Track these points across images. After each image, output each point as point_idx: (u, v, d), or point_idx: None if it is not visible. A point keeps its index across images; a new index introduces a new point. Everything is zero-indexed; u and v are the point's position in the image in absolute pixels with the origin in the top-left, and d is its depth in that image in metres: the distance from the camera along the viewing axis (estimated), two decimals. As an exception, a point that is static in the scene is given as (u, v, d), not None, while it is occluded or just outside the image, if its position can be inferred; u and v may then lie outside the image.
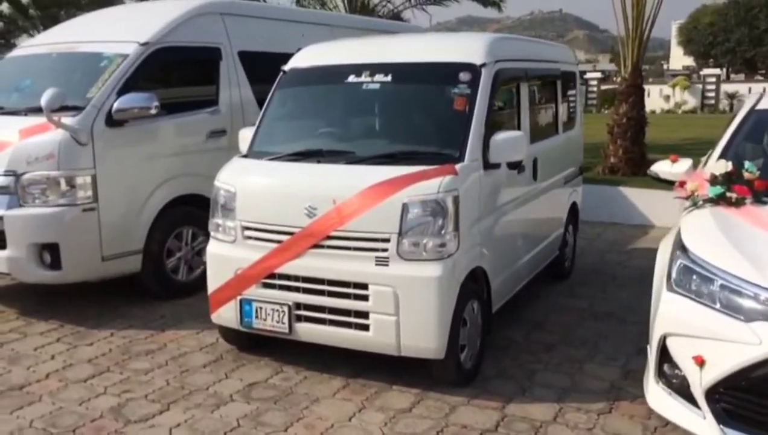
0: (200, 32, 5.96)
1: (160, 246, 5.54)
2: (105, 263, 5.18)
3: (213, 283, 4.32)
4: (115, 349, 4.63)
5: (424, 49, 4.43)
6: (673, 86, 38.76)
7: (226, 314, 4.26)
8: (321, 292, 3.93)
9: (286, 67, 4.81)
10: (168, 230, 5.60)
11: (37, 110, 5.17)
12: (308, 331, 4.02)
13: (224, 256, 4.24)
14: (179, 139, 5.70)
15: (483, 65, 4.15)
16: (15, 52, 6.36)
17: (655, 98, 36.58)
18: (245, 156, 4.53)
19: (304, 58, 4.82)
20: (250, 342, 4.52)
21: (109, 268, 5.23)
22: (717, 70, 42.17)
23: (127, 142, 5.30)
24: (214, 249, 4.33)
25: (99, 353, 4.56)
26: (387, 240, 3.74)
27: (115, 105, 5.11)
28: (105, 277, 5.28)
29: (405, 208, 3.70)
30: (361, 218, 3.77)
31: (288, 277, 4.02)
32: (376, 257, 3.77)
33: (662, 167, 4.27)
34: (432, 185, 3.70)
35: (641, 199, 9.13)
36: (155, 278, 5.56)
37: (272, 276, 4.06)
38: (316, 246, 3.91)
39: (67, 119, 4.92)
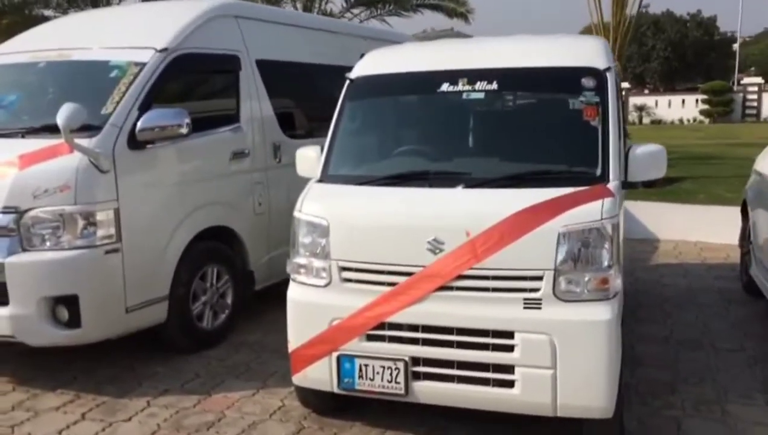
0: (217, 38, 5.13)
1: (186, 290, 4.65)
2: (129, 315, 4.25)
3: (297, 338, 3.53)
4: (164, 425, 3.73)
5: (530, 53, 3.83)
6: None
7: (316, 374, 3.48)
8: (448, 344, 3.24)
9: (352, 75, 4.09)
10: (194, 271, 4.72)
11: (39, 131, 4.25)
12: (430, 391, 3.31)
13: (314, 304, 3.47)
14: (203, 163, 4.84)
15: (607, 69, 3.61)
16: None
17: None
18: (321, 181, 3.77)
19: (374, 65, 4.12)
20: (334, 404, 3.76)
21: (133, 320, 4.30)
22: (626, 84, 44.20)
23: (152, 167, 4.41)
24: (298, 295, 3.54)
25: (147, 432, 3.65)
26: (539, 278, 3.10)
27: (140, 123, 4.22)
28: (128, 332, 4.33)
29: (561, 238, 3.08)
30: (503, 253, 3.12)
31: (403, 327, 3.31)
32: (525, 299, 3.12)
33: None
34: (592, 211, 3.10)
35: (640, 212, 8.92)
36: (181, 328, 4.66)
37: (381, 326, 3.33)
38: (443, 288, 3.22)
39: (83, 141, 3.99)
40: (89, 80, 4.62)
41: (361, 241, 3.38)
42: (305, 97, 6.13)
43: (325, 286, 3.45)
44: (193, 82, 5.03)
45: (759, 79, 42.02)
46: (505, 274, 3.13)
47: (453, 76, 3.75)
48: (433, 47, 4.23)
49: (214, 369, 4.52)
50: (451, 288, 3.22)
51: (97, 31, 5.12)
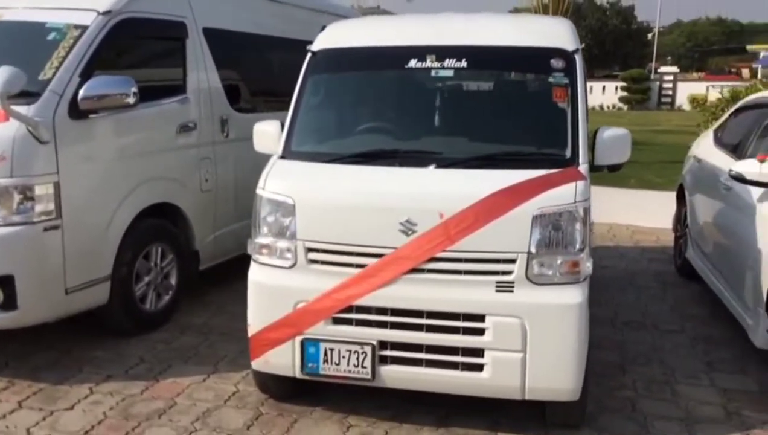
0: (162, 2, 4.82)
1: (128, 270, 4.39)
2: (69, 297, 3.96)
3: (258, 321, 3.38)
4: (111, 414, 3.51)
5: (499, 32, 3.76)
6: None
7: (278, 359, 3.35)
8: (417, 327, 3.18)
9: (314, 48, 3.92)
10: (137, 250, 4.45)
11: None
12: (397, 376, 3.24)
13: (278, 286, 3.32)
14: (149, 135, 4.56)
15: (576, 51, 3.60)
16: None
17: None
18: (283, 157, 3.60)
19: (337, 38, 3.96)
20: (293, 389, 3.63)
21: (74, 302, 4.01)
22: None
23: (94, 139, 4.11)
24: (260, 277, 3.39)
25: (93, 422, 3.42)
26: (512, 261, 3.07)
27: (83, 91, 3.91)
28: (68, 315, 4.05)
29: (535, 221, 3.06)
30: (477, 235, 3.07)
31: (371, 310, 3.22)
32: (498, 282, 3.09)
33: (749, 168, 3.99)
34: (566, 194, 3.09)
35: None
36: (123, 310, 4.40)
37: (349, 309, 3.23)
38: (414, 270, 3.15)
39: (21, 108, 3.66)
40: (23, 43, 4.24)
41: (328, 222, 3.26)
42: (253, 69, 5.89)
43: (290, 267, 3.31)
44: (137, 48, 4.71)
45: (674, 69, 43.97)
46: (479, 256, 3.09)
47: (421, 52, 3.65)
48: (399, 22, 4.13)
49: (160, 353, 4.30)
50: (422, 270, 3.15)
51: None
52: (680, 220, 6.47)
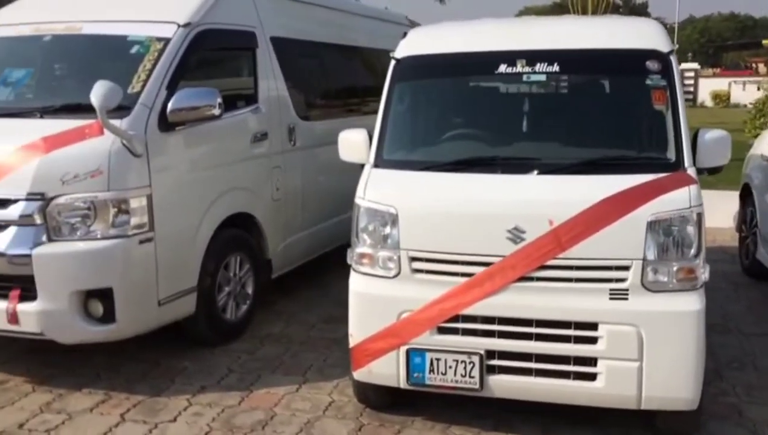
0: (234, 13, 4.83)
1: (212, 280, 4.40)
2: (161, 308, 3.98)
3: (361, 331, 3.37)
4: (215, 425, 3.51)
5: (590, 34, 3.72)
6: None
7: (382, 369, 3.33)
8: (526, 336, 3.15)
9: (398, 55, 3.90)
10: (219, 260, 4.47)
11: (58, 111, 3.91)
12: (506, 385, 3.21)
13: (381, 296, 3.31)
14: (228, 146, 4.57)
15: (671, 52, 3.54)
16: None
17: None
18: (376, 166, 3.58)
19: (421, 44, 3.93)
20: (391, 399, 3.62)
21: (166, 313, 4.03)
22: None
23: (181, 151, 4.13)
24: (362, 287, 3.38)
25: (200, 433, 3.43)
26: (626, 268, 3.03)
27: (172, 103, 3.93)
28: (159, 326, 4.06)
29: (650, 227, 3.01)
30: (589, 242, 3.03)
31: (477, 319, 3.19)
32: (611, 290, 3.05)
33: None
34: (681, 198, 3.04)
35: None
36: (208, 320, 4.41)
37: (454, 319, 3.21)
38: (524, 278, 3.11)
39: (115, 122, 3.68)
40: (106, 56, 4.29)
41: (433, 230, 3.24)
42: (316, 77, 5.90)
43: (394, 277, 3.30)
44: (214, 59, 4.73)
45: (695, 65, 43.35)
46: (591, 263, 3.05)
47: (511, 57, 3.61)
48: (484, 27, 4.08)
49: (246, 363, 4.30)
50: (531, 278, 3.12)
51: (104, 3, 4.73)
52: (746, 220, 6.36)
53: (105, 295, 3.67)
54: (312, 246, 5.72)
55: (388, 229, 3.30)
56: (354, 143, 3.77)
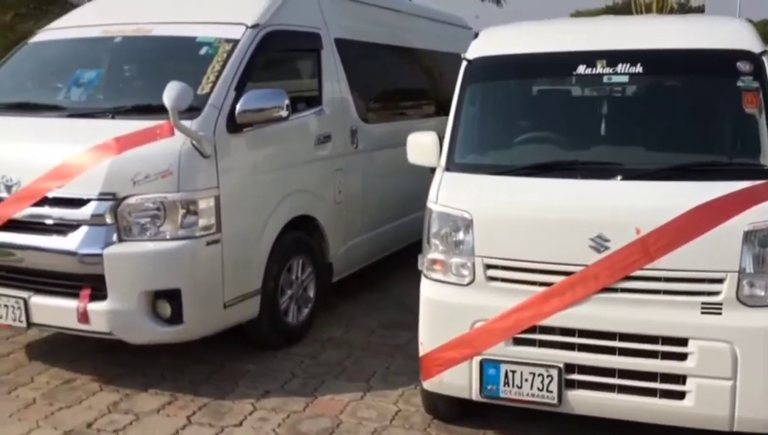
0: (300, 14, 4.79)
1: (275, 283, 4.36)
2: (227, 310, 3.95)
3: (432, 340, 3.26)
4: (281, 431, 3.46)
5: (674, 34, 3.54)
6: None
7: (454, 380, 3.22)
8: (609, 350, 2.99)
9: (470, 56, 3.78)
10: (282, 263, 4.42)
11: (129, 111, 3.92)
12: (586, 401, 3.06)
13: (454, 304, 3.19)
14: (292, 147, 4.53)
15: (763, 53, 3.33)
16: (44, 36, 4.85)
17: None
18: (448, 169, 3.47)
19: (494, 44, 3.81)
20: (460, 410, 3.50)
21: (230, 316, 4.00)
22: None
23: (247, 152, 4.10)
24: (434, 294, 3.27)
25: (268, 440, 3.39)
26: (720, 280, 2.85)
27: (240, 104, 3.90)
28: (224, 328, 4.04)
29: (747, 237, 2.82)
30: (680, 253, 2.86)
31: (555, 331, 3.05)
32: (703, 304, 2.87)
33: None
34: (779, 207, 2.85)
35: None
36: (271, 324, 4.37)
37: (531, 329, 3.07)
38: (607, 289, 2.96)
39: (185, 123, 3.67)
40: (175, 57, 4.30)
41: (510, 237, 3.11)
42: (379, 79, 5.83)
43: (467, 284, 3.18)
44: (280, 61, 4.70)
45: None
46: (681, 275, 2.88)
47: (590, 57, 3.45)
48: (559, 26, 3.94)
49: (309, 368, 4.24)
50: (615, 290, 2.96)
51: (174, 4, 4.75)
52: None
53: (173, 296, 3.65)
54: (372, 250, 5.64)
55: (461, 235, 3.18)
56: (423, 146, 3.67)
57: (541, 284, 3.06)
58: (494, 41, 3.85)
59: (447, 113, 6.91)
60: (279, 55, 4.60)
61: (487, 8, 17.08)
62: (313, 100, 4.84)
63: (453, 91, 7.13)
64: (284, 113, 4.05)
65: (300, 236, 4.63)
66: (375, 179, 5.55)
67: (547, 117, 3.66)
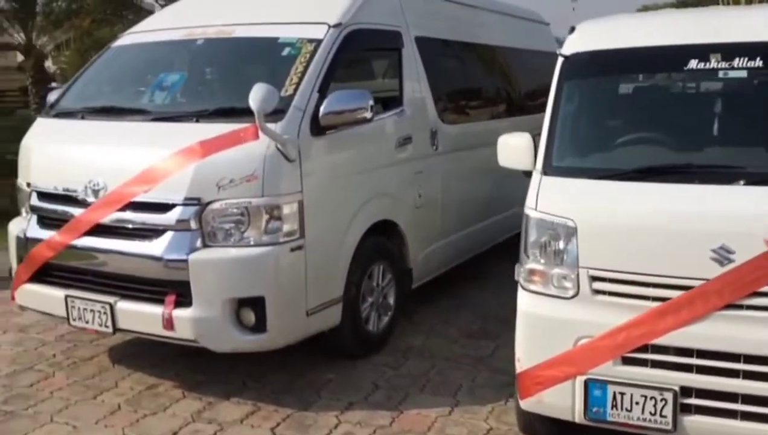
0: (381, 12, 4.66)
1: (357, 290, 4.23)
2: (309, 318, 3.84)
3: (530, 357, 3.05)
4: (368, 447, 3.33)
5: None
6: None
7: (555, 400, 2.99)
8: (731, 373, 2.70)
9: (567, 51, 3.53)
10: (364, 269, 4.29)
11: (213, 114, 3.85)
12: (704, 428, 2.78)
13: (557, 319, 2.97)
14: (373, 150, 4.40)
15: None
16: (128, 40, 4.87)
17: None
18: (545, 173, 3.24)
19: (593, 39, 3.56)
20: (558, 432, 3.27)
21: (313, 324, 3.90)
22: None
23: (330, 156, 3.99)
24: (534, 308, 3.05)
25: (353, 456, 3.26)
26: None
27: (324, 106, 3.79)
28: (306, 337, 3.93)
29: None
30: (816, 267, 2.56)
31: (670, 351, 2.79)
32: (843, 324, 2.56)
33: None
34: None
35: None
36: (352, 332, 4.24)
37: (643, 349, 2.82)
38: (731, 306, 2.68)
39: (271, 126, 3.57)
40: (258, 59, 4.24)
41: (619, 247, 2.86)
42: (459, 78, 5.65)
43: (571, 298, 2.95)
44: (361, 61, 4.59)
45: None
46: (818, 293, 2.58)
47: (703, 51, 3.16)
48: (663, 18, 3.66)
49: (392, 379, 4.09)
50: (740, 307, 2.68)
51: (255, 5, 4.68)
52: None
53: (257, 304, 3.56)
54: (451, 255, 5.45)
55: (564, 244, 2.96)
56: (516, 148, 3.45)
57: (654, 299, 2.80)
58: (593, 35, 3.60)
59: (526, 112, 6.71)
60: (360, 55, 4.48)
61: (560, 5, 16.63)
62: (394, 101, 4.69)
63: (532, 89, 6.91)
64: (368, 115, 3.92)
65: (381, 241, 4.49)
66: (454, 182, 5.37)
67: (654, 116, 3.38)
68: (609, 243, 2.89)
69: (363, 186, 4.23)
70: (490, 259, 6.21)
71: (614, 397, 2.86)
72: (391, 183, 4.56)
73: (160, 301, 3.63)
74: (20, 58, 20.33)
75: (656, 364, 2.81)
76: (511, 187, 6.41)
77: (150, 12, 12.86)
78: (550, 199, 3.05)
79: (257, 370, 4.16)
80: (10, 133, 8.68)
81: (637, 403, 2.83)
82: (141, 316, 3.67)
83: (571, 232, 2.94)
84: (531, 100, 6.65)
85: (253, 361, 4.18)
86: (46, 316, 4.22)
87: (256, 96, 3.37)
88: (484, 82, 6.13)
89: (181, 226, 3.57)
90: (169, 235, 3.59)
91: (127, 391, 3.98)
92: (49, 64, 21.99)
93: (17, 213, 4.39)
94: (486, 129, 5.92)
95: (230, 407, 3.75)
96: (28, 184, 4.16)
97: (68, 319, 3.89)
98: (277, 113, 3.66)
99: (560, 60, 3.54)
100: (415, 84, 4.88)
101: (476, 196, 5.75)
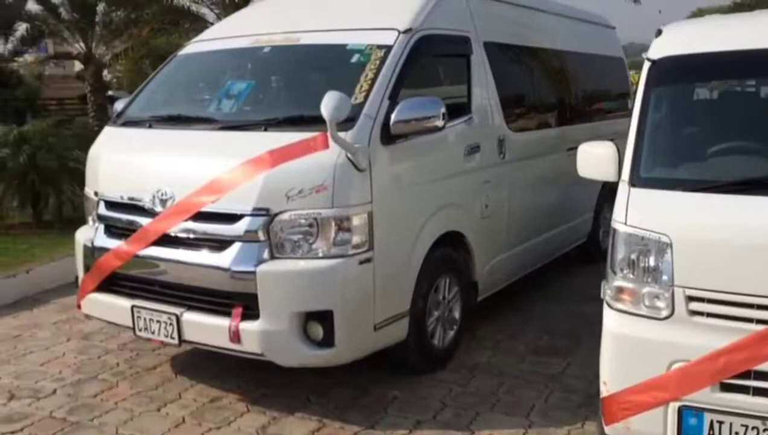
0: (450, 17, 4.53)
1: (423, 303, 4.09)
2: (377, 333, 3.72)
3: (618, 380, 2.85)
4: (443, 472, 3.18)
5: None
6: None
7: (644, 428, 2.80)
8: None
9: (654, 55, 3.34)
10: (430, 282, 4.15)
11: (281, 123, 3.77)
12: (813, 463, 2.56)
13: (648, 341, 2.78)
14: (442, 159, 4.26)
15: None
16: (193, 48, 4.87)
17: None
18: (633, 185, 3.05)
19: (683, 43, 3.36)
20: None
21: (381, 339, 3.78)
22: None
23: (400, 165, 3.88)
24: (623, 328, 2.86)
25: (428, 480, 3.11)
26: None
27: (396, 114, 3.67)
28: (372, 352, 3.81)
29: None
30: None
31: (777, 378, 2.57)
32: None
33: None
34: None
35: None
36: (418, 347, 4.11)
37: (745, 375, 2.61)
38: None
39: (341, 135, 3.47)
40: (326, 66, 4.15)
41: (720, 265, 2.66)
42: (527, 84, 5.48)
43: (665, 318, 2.76)
44: (430, 67, 4.45)
45: None
46: None
47: None
48: (757, 19, 3.43)
49: (459, 397, 3.94)
50: None
51: (321, 11, 4.61)
52: None
53: (325, 318, 3.46)
54: (516, 267, 5.28)
55: (657, 261, 2.77)
56: (599, 158, 3.27)
57: (759, 321, 2.59)
58: (683, 39, 3.40)
59: (594, 119, 6.49)
60: (430, 61, 4.34)
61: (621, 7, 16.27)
62: (462, 108, 4.54)
63: (599, 95, 6.68)
64: (440, 123, 3.79)
65: (448, 253, 4.35)
66: (520, 191, 5.19)
67: (751, 124, 3.15)
68: (708, 261, 2.69)
69: (431, 196, 4.09)
70: (552, 268, 5.99)
71: (711, 427, 2.66)
72: (459, 193, 4.41)
73: (226, 314, 3.56)
74: (78, 67, 20.94)
75: (759, 392, 2.60)
76: (577, 196, 6.25)
77: (206, 22, 13.00)
78: (641, 212, 2.86)
79: (320, 383, 4.06)
80: (71, 141, 8.85)
81: (737, 433, 2.62)
82: (207, 328, 3.61)
83: (664, 249, 2.75)
84: (598, 107, 6.44)
85: (315, 374, 4.08)
86: (112, 325, 4.21)
87: (329, 104, 3.27)
88: (551, 88, 5.94)
89: (249, 236, 3.50)
90: (236, 246, 3.52)
91: (190, 403, 3.93)
92: (105, 72, 22.60)
93: (81, 221, 4.41)
94: (552, 136, 5.75)
95: (295, 422, 3.66)
96: (96, 193, 4.16)
97: (134, 329, 3.86)
98: (346, 121, 3.57)
99: (647, 64, 3.35)
100: (484, 91, 4.73)
101: (542, 206, 5.57)
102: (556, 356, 4.55)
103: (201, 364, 4.42)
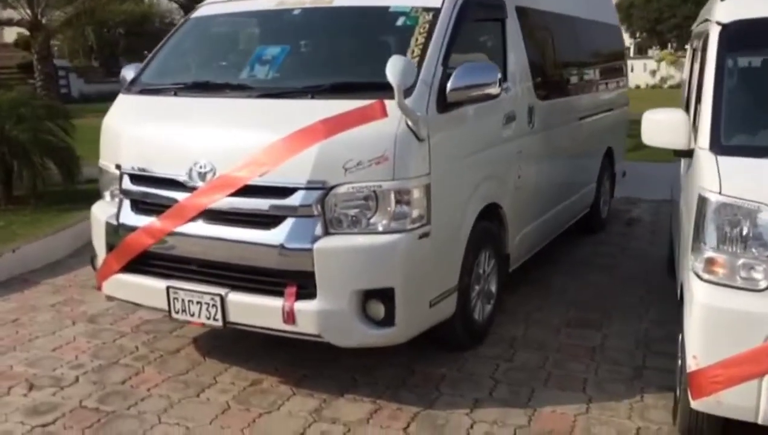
0: (483, -21, 4.33)
1: (469, 278, 3.96)
2: (431, 310, 3.57)
3: (709, 353, 2.77)
4: (518, 453, 3.08)
5: None
6: (659, 61, 37.60)
7: (736, 401, 2.74)
8: None
9: (724, 20, 3.24)
10: (475, 256, 4.02)
11: (328, 90, 3.53)
12: None
13: (742, 314, 2.70)
14: (486, 128, 4.11)
15: None
16: (210, 10, 4.45)
17: (639, 73, 35.03)
18: (717, 153, 2.95)
19: (754, 4, 3.26)
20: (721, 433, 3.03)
21: (434, 315, 3.63)
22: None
23: (453, 134, 3.69)
24: (714, 300, 2.77)
25: (507, 462, 3.00)
26: None
27: (453, 80, 3.48)
28: (425, 329, 3.66)
29: None
30: None
31: None
32: None
33: None
34: None
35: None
36: (462, 322, 3.98)
37: (824, 347, 2.56)
38: None
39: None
40: (367, 30, 3.91)
41: (820, 235, 2.59)
42: (554, 51, 5.35)
43: (761, 290, 2.69)
44: (471, 32, 4.21)
45: None
46: None
47: None
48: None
49: (509, 373, 3.85)
50: None
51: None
52: None
53: (386, 296, 3.28)
54: (538, 237, 5.21)
55: (754, 230, 2.69)
56: (670, 125, 3.18)
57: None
58: (750, 1, 3.30)
59: (600, 89, 6.44)
60: (472, 26, 4.13)
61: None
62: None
63: (607, 64, 6.62)
64: (495, 90, 3.62)
65: (487, 226, 4.21)
66: (548, 161, 5.12)
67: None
68: (808, 230, 2.62)
69: (477, 167, 3.94)
70: (555, 240, 5.90)
71: (812, 401, 2.61)
72: (498, 163, 4.28)
73: (276, 293, 3.34)
74: (14, 35, 19.86)
75: None
76: (585, 166, 6.21)
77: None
78: (735, 181, 2.77)
79: (360, 363, 3.89)
80: (43, 111, 8.29)
81: (832, 406, 2.58)
82: (256, 309, 3.39)
83: (761, 218, 2.66)
84: (605, 75, 6.40)
85: (352, 354, 3.90)
86: (138, 307, 3.96)
87: (395, 69, 3.06)
88: (575, 55, 5.84)
89: (303, 211, 3.27)
90: (289, 221, 3.30)
91: (230, 387, 3.72)
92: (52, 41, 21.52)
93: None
94: (572, 105, 5.66)
95: (348, 405, 3.50)
96: (118, 166, 3.85)
97: (170, 311, 3.60)
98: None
99: (716, 29, 3.24)
100: (517, 57, 4.57)
101: (561, 176, 5.51)
102: (590, 328, 4.51)
103: (227, 346, 4.20)
